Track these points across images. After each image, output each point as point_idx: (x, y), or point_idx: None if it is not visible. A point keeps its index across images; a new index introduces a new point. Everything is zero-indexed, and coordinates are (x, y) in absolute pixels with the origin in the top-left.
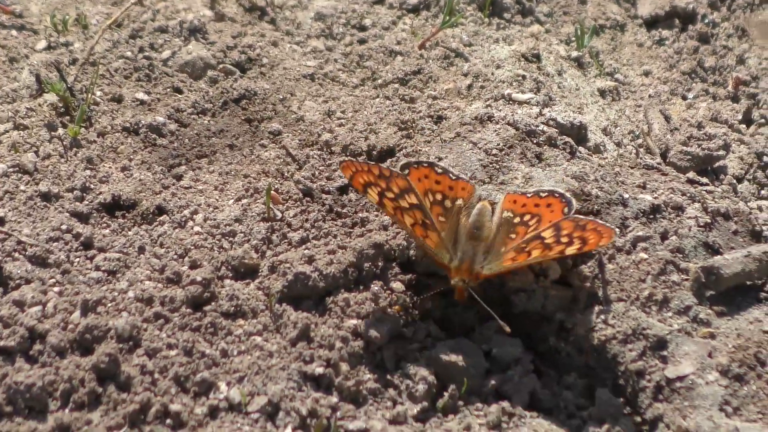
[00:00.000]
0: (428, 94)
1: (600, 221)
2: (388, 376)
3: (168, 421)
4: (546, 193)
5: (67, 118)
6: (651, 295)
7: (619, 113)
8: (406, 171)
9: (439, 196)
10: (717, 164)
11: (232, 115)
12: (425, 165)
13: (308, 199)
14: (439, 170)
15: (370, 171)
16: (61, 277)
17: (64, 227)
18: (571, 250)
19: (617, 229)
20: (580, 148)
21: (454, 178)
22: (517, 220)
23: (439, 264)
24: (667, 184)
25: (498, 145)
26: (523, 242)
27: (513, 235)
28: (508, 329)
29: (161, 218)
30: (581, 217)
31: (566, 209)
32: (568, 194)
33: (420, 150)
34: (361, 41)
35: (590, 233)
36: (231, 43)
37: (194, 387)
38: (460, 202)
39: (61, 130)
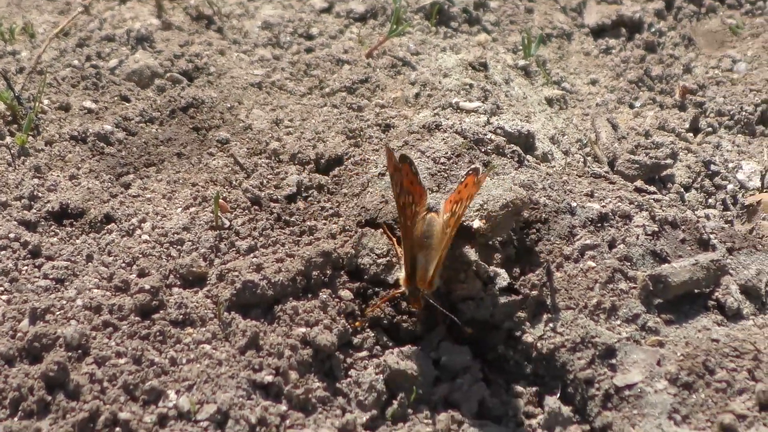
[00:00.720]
0: (376, 102)
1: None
2: (337, 384)
3: (117, 429)
4: (464, 176)
5: (15, 126)
6: (599, 303)
7: (567, 122)
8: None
9: (410, 198)
10: (664, 173)
11: (179, 123)
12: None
13: (256, 207)
14: (414, 171)
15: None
16: (9, 286)
17: (11, 235)
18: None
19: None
20: (528, 157)
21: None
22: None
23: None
24: (614, 193)
25: (446, 153)
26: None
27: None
28: (469, 330)
29: (109, 226)
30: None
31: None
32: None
33: (368, 158)
34: (309, 50)
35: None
36: (178, 51)
37: (143, 395)
38: (418, 208)
39: (8, 139)
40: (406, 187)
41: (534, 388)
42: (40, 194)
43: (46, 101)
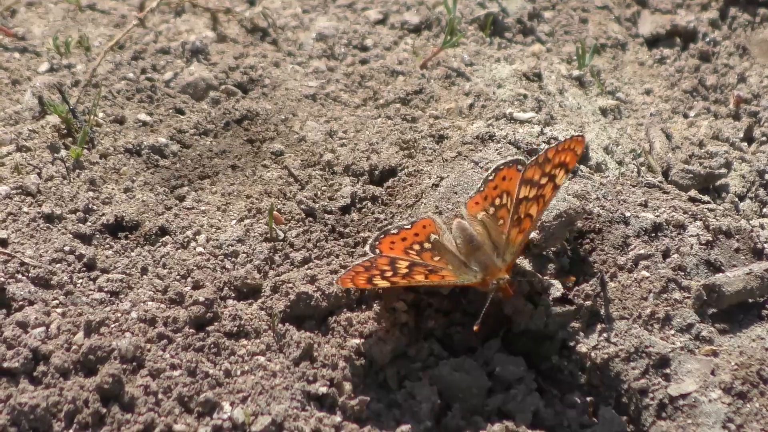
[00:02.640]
0: (430, 113)
1: (558, 140)
2: (392, 396)
3: None
4: (493, 174)
5: (70, 139)
6: (653, 313)
7: (621, 132)
8: (378, 243)
9: (417, 246)
10: (719, 182)
11: (234, 135)
12: (384, 235)
13: (310, 219)
14: (395, 230)
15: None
16: (64, 299)
17: (66, 248)
18: (559, 180)
19: (582, 133)
20: (582, 167)
21: (409, 227)
22: (492, 210)
23: (473, 286)
24: (668, 203)
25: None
26: (514, 215)
27: (501, 221)
28: (476, 328)
29: (164, 239)
30: (541, 154)
31: (519, 167)
32: (510, 158)
33: (422, 169)
34: (363, 61)
35: (563, 154)
36: (233, 63)
37: (198, 407)
38: (434, 237)
39: (63, 152)
40: (404, 246)
41: (588, 399)
42: (95, 207)
43: (101, 114)
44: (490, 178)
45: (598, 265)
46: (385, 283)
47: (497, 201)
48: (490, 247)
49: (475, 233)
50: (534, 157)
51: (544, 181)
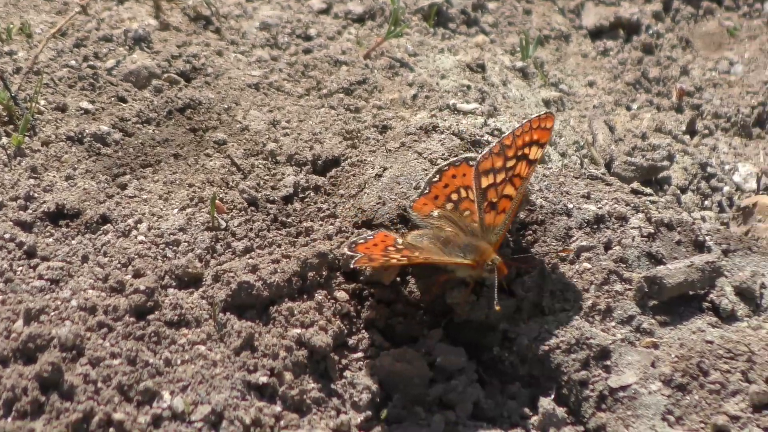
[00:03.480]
0: (373, 103)
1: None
2: (332, 386)
3: (111, 430)
4: (438, 176)
5: (11, 127)
6: (594, 304)
7: (564, 124)
8: (354, 248)
9: (392, 248)
10: (661, 175)
11: (176, 124)
12: (355, 245)
13: (253, 208)
14: (362, 240)
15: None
16: (3, 286)
17: (7, 236)
18: (534, 155)
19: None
20: None
21: (372, 237)
22: (450, 206)
23: (468, 267)
24: (611, 195)
25: (443, 155)
26: (483, 202)
27: (467, 212)
28: (497, 308)
29: (105, 227)
30: (495, 144)
31: (471, 162)
32: (454, 159)
33: (365, 160)
34: (306, 51)
35: (529, 134)
36: (176, 52)
37: (137, 396)
38: (400, 241)
39: (5, 139)
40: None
41: (529, 390)
42: (36, 195)
43: (42, 102)
44: (435, 180)
45: (540, 256)
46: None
47: (454, 197)
48: (466, 234)
49: (438, 230)
50: (488, 148)
51: (511, 163)
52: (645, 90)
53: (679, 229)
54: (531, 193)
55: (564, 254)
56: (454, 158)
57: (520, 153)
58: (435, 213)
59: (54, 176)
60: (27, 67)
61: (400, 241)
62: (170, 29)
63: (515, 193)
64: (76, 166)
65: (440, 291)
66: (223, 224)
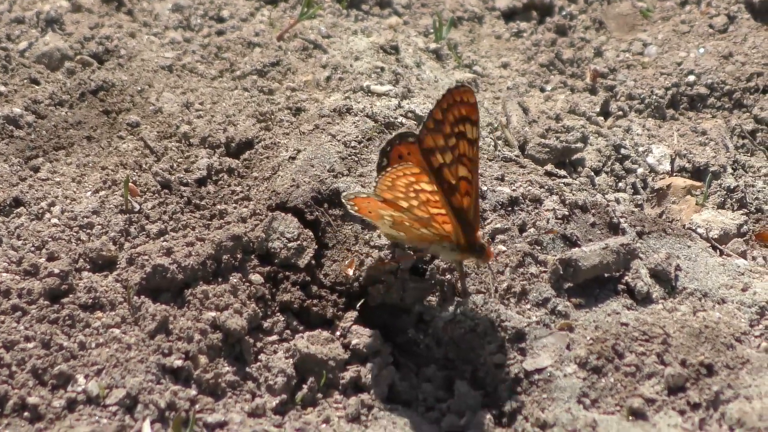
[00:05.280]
0: (287, 86)
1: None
2: (247, 369)
3: (25, 414)
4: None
5: None
6: (509, 287)
7: (478, 105)
8: None
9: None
10: (575, 156)
11: (89, 106)
12: None
13: (166, 191)
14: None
15: None
16: None
17: None
18: (471, 134)
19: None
20: None
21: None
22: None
23: (456, 250)
24: (525, 177)
25: (357, 137)
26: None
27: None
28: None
29: (18, 210)
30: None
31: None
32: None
33: (279, 142)
34: (219, 33)
35: (456, 110)
36: (88, 34)
37: (52, 379)
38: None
39: None
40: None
41: (444, 372)
42: None
43: None
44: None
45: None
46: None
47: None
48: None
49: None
50: (423, 124)
51: (452, 142)
52: (559, 71)
53: (593, 211)
54: None
55: (551, 234)
56: (391, 136)
57: (456, 130)
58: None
59: None
60: None
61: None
62: (82, 11)
63: (472, 174)
64: None
65: (378, 273)
66: (137, 207)
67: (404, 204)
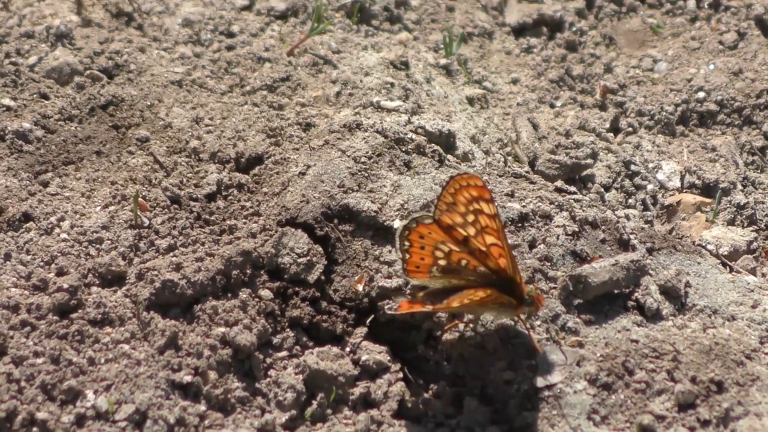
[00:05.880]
0: (297, 101)
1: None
2: (257, 385)
3: (34, 429)
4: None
5: None
6: None
7: (488, 121)
8: None
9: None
10: (585, 173)
11: (99, 121)
12: None
13: (176, 206)
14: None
15: None
16: None
17: None
18: (489, 210)
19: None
20: (449, 156)
21: None
22: (440, 266)
23: (510, 306)
24: (535, 193)
25: (367, 153)
26: (479, 249)
27: (464, 261)
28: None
29: (27, 225)
30: (439, 201)
31: (427, 221)
32: (409, 219)
33: (289, 158)
34: (229, 48)
35: (465, 192)
36: (98, 48)
37: (61, 395)
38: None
39: None
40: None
41: (454, 389)
42: None
43: None
44: (406, 246)
45: None
46: None
47: (439, 254)
48: (486, 271)
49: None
50: (434, 207)
51: (470, 218)
52: (569, 87)
53: (603, 227)
54: None
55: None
56: (407, 222)
57: (472, 209)
58: (428, 277)
59: None
60: None
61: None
62: (92, 26)
63: (501, 241)
64: None
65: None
66: (147, 222)
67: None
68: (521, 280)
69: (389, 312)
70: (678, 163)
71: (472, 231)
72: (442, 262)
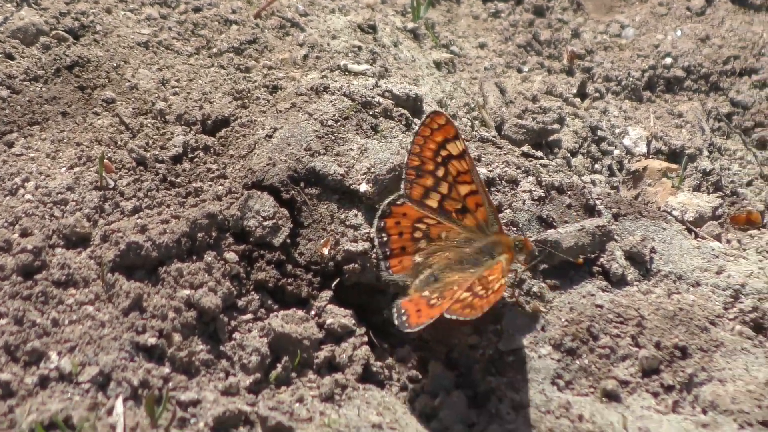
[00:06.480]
0: (264, 63)
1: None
2: (221, 347)
3: None
4: (384, 235)
5: None
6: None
7: (455, 85)
8: None
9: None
10: (551, 138)
11: (64, 82)
12: None
13: (141, 168)
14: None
15: None
16: None
17: None
18: (456, 150)
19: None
20: (416, 120)
21: None
22: (421, 232)
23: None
24: (501, 158)
25: (334, 116)
26: (451, 212)
27: (444, 233)
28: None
29: None
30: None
31: (400, 201)
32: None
33: (255, 120)
34: (196, 9)
35: (433, 138)
36: (64, 9)
37: (24, 356)
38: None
39: None
40: None
41: (419, 353)
42: None
43: None
44: (384, 238)
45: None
46: None
47: (418, 234)
48: (469, 243)
49: (440, 260)
50: (403, 178)
51: (441, 172)
52: (536, 52)
53: (569, 192)
54: None
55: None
56: (381, 208)
57: (440, 159)
58: (418, 259)
59: None
60: None
61: (430, 295)
62: None
63: (474, 185)
64: None
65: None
66: (112, 184)
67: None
68: (502, 226)
69: (407, 331)
70: (644, 129)
71: (444, 189)
72: (423, 244)
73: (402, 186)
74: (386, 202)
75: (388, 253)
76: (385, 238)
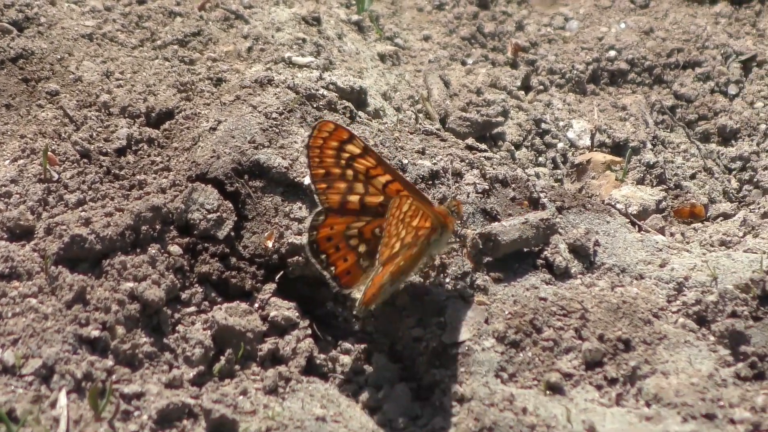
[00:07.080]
0: (208, 56)
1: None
2: (165, 340)
3: None
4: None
5: None
6: (429, 260)
7: (399, 78)
8: None
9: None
10: (495, 130)
11: (8, 74)
12: None
13: (85, 160)
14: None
15: None
16: None
17: None
18: (357, 148)
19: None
20: (360, 113)
21: None
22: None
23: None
24: (445, 150)
25: (278, 108)
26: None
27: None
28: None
29: None
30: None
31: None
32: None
33: (199, 113)
34: (140, 1)
35: (328, 146)
36: (8, 1)
37: None
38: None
39: None
40: None
41: (362, 345)
42: None
43: None
44: (315, 247)
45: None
46: None
47: (353, 232)
48: None
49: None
50: (316, 195)
51: (350, 173)
52: (480, 45)
53: (513, 185)
54: None
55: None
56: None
57: (344, 162)
58: (364, 263)
59: None
60: None
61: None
62: None
63: (389, 175)
64: None
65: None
66: (56, 176)
67: (397, 244)
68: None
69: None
70: (588, 122)
71: (360, 188)
72: (362, 248)
73: (317, 200)
74: (307, 225)
75: (334, 271)
76: (324, 258)
